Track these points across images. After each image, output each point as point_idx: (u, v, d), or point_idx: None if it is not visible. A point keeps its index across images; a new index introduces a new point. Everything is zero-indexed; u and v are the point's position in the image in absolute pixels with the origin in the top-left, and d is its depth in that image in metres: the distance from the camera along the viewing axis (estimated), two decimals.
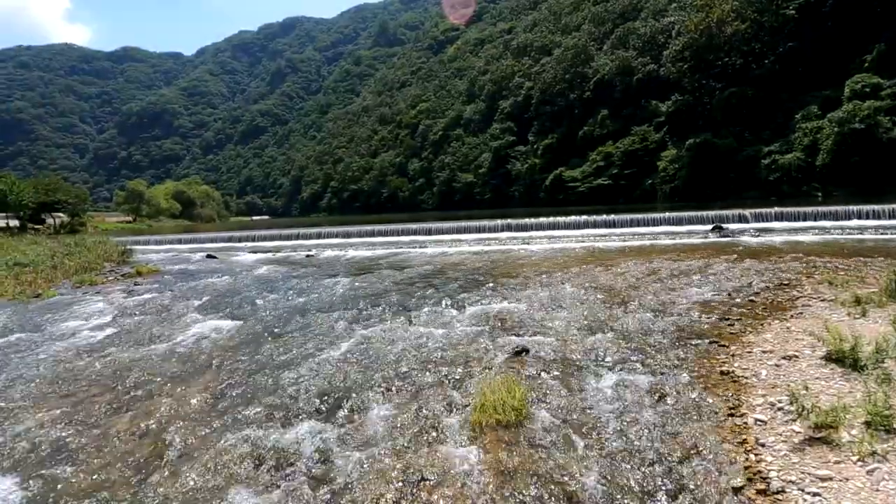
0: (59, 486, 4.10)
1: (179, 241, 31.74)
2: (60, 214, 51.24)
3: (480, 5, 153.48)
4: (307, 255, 21.21)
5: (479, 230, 25.80)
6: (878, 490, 3.19)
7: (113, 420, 5.29)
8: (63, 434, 4.99)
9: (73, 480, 4.17)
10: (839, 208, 20.68)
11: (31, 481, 4.18)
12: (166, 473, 4.17)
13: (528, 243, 20.39)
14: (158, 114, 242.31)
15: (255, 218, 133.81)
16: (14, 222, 47.95)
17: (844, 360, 4.97)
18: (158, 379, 6.41)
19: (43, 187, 49.22)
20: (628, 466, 3.83)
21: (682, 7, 58.58)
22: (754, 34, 46.10)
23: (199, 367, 6.78)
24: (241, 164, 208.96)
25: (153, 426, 5.06)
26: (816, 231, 18.15)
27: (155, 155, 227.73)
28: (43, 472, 4.31)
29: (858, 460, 3.48)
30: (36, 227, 47.01)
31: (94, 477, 4.21)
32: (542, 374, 5.73)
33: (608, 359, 6.05)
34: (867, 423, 3.80)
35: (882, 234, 16.53)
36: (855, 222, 19.39)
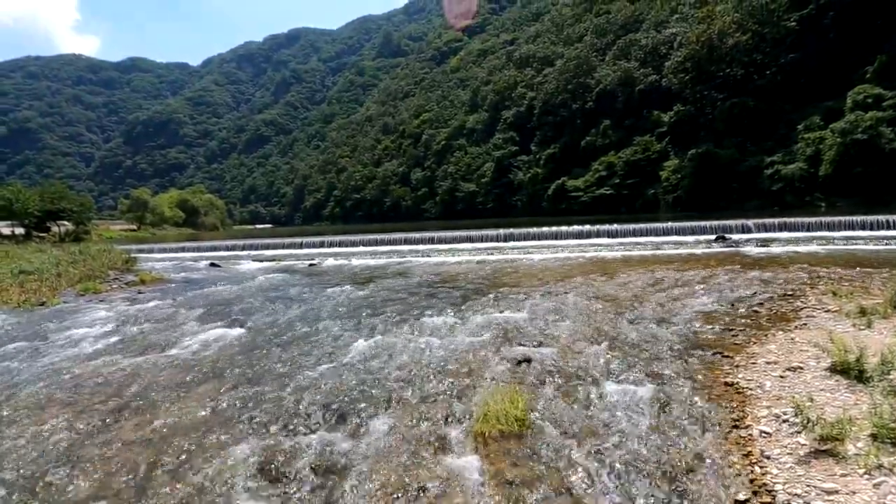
0: (62, 494, 4.09)
1: (183, 250, 31.85)
2: (65, 222, 51.55)
3: (483, 17, 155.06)
4: (310, 264, 21.25)
5: (481, 239, 25.83)
6: None
7: (116, 428, 5.28)
8: (66, 442, 4.99)
9: (77, 488, 4.17)
10: (842, 218, 20.65)
11: (34, 489, 4.17)
12: (168, 482, 4.16)
13: (530, 253, 20.40)
14: (164, 123, 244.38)
15: (258, 226, 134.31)
16: (19, 230, 48.27)
17: (850, 371, 4.94)
18: (161, 387, 6.41)
19: (48, 196, 49.58)
20: (632, 478, 3.81)
21: (684, 19, 59.05)
22: (756, 45, 46.38)
23: (201, 376, 6.78)
24: (244, 173, 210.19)
25: (156, 434, 5.06)
26: (820, 241, 18.11)
27: (160, 164, 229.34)
28: (47, 479, 4.30)
29: (865, 473, 3.44)
30: (41, 235, 47.32)
31: (98, 485, 4.20)
32: (545, 384, 5.71)
33: (611, 369, 6.03)
34: (873, 436, 3.77)
35: (886, 244, 16.47)
36: (859, 233, 19.34)
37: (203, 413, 5.54)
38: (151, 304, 12.69)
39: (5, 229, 48.99)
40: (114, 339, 9.14)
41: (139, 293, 14.64)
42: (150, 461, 4.53)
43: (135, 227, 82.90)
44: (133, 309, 12.11)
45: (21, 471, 4.48)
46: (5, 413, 5.81)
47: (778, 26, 44.84)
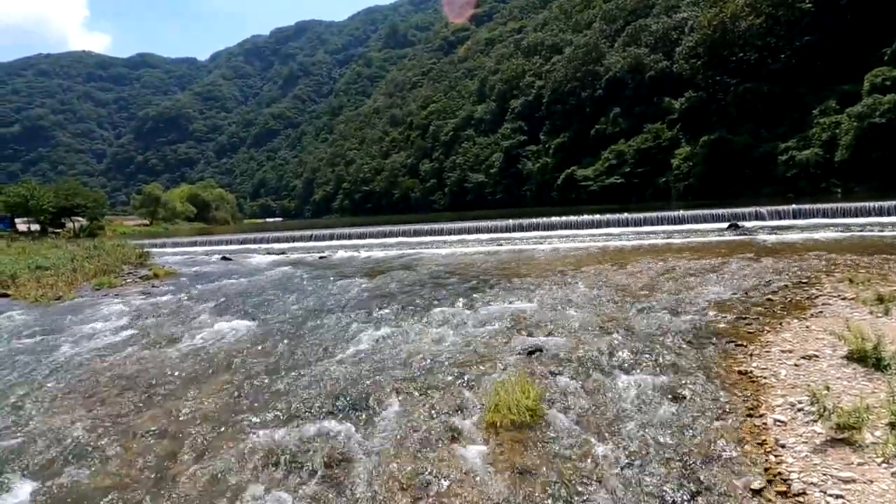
0: (81, 485, 4.18)
1: (195, 244, 32.20)
2: (79, 218, 52.32)
3: (490, 5, 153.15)
4: (320, 257, 21.37)
5: (491, 230, 25.76)
6: None
7: (133, 420, 5.38)
8: (85, 433, 5.09)
9: (95, 479, 4.26)
10: (859, 204, 20.23)
11: (54, 479, 4.27)
12: (185, 472, 4.24)
13: (540, 243, 20.31)
14: (174, 118, 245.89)
15: (268, 220, 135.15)
16: (35, 226, 49.12)
17: (867, 359, 4.88)
18: (177, 379, 6.51)
19: (63, 192, 50.34)
20: (645, 468, 3.80)
21: (695, 2, 57.79)
22: (769, 28, 45.30)
23: (215, 368, 6.87)
24: (254, 167, 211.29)
25: (172, 425, 5.14)
26: (836, 228, 17.78)
27: (170, 159, 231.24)
28: (66, 470, 4.40)
29: (883, 462, 3.40)
30: (56, 231, 48.09)
31: (115, 475, 4.29)
32: (557, 374, 5.70)
33: (623, 359, 6.00)
34: (891, 424, 3.72)
35: None
36: (876, 219, 18.94)
37: (218, 404, 5.61)
38: (165, 297, 12.86)
39: (21, 226, 49.88)
40: (129, 332, 9.28)
41: (153, 287, 14.83)
42: (167, 452, 4.62)
43: (147, 222, 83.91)
44: (147, 303, 12.28)
45: (43, 461, 4.59)
46: (27, 405, 5.95)
47: (792, 8, 43.70)
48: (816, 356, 5.35)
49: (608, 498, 3.50)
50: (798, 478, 3.41)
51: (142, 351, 7.95)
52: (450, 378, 5.82)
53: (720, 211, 22.57)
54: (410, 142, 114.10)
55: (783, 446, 3.81)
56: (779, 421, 4.18)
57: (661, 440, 4.14)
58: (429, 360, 6.46)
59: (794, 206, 21.83)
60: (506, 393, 4.84)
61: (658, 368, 5.61)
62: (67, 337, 9.18)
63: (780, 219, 21.08)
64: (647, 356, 6.00)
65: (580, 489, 3.61)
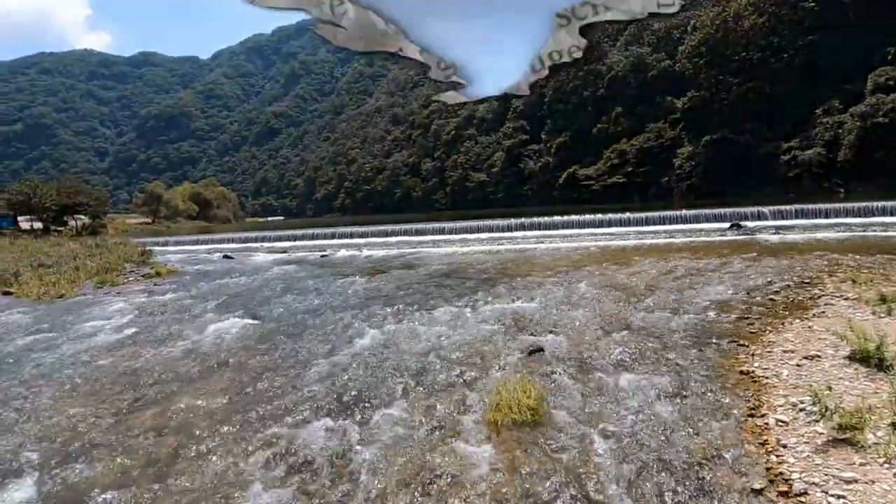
0: (83, 481, 4.19)
1: (197, 242, 32.26)
2: (82, 216, 52.37)
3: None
4: (322, 256, 21.38)
5: (492, 229, 25.75)
6: None
7: (135, 417, 5.39)
8: (87, 430, 5.10)
9: (97, 476, 4.27)
10: (862, 204, 20.18)
11: (57, 476, 4.28)
12: (186, 469, 4.25)
13: (541, 242, 20.30)
14: (176, 117, 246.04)
15: (270, 219, 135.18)
16: (38, 224, 49.21)
17: (869, 359, 4.87)
18: (179, 377, 6.52)
19: (65, 190, 50.35)
20: (646, 468, 3.80)
21: (698, 1, 57.69)
22: (772, 28, 45.17)
23: (217, 366, 6.88)
24: (256, 166, 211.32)
25: (174, 423, 5.16)
26: (838, 228, 17.74)
27: (172, 157, 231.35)
28: (68, 467, 4.41)
29: (885, 462, 3.39)
30: (58, 229, 48.11)
31: (117, 472, 4.30)
32: (558, 373, 5.70)
33: (624, 358, 6.00)
34: (893, 425, 3.71)
35: None
36: (879, 219, 18.89)
37: (220, 402, 5.62)
38: (167, 296, 12.88)
39: (24, 224, 49.98)
40: (132, 330, 9.30)
41: (155, 285, 14.86)
42: (168, 450, 4.63)
43: (149, 220, 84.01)
44: (150, 301, 12.31)
45: (45, 458, 4.60)
46: (29, 403, 5.96)
47: (795, 7, 43.60)
48: (819, 356, 5.34)
49: (609, 497, 3.50)
50: (799, 478, 3.41)
51: (144, 349, 7.97)
52: (451, 377, 5.83)
53: (722, 210, 22.54)
54: (412, 141, 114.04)
55: (785, 446, 3.81)
56: (780, 421, 4.17)
57: (662, 440, 4.14)
58: (430, 359, 6.46)
59: (796, 205, 21.79)
60: (507, 392, 4.84)
61: (659, 368, 5.61)
62: (70, 335, 9.20)
63: (783, 219, 21.05)
64: (649, 356, 6.00)
65: (580, 489, 3.61)
